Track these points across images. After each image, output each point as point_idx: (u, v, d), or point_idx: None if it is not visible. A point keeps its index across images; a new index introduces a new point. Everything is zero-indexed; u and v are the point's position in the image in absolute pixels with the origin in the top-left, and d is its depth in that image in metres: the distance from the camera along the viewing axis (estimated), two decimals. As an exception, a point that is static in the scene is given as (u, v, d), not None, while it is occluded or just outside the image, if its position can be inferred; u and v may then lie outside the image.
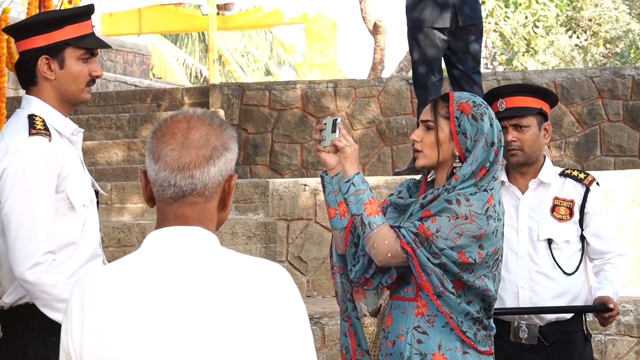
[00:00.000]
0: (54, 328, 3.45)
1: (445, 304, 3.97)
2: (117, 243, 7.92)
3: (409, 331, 4.06)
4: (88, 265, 4.35)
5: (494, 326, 4.16)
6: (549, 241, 4.89)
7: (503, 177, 4.94)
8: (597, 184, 5.03)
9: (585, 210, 4.91)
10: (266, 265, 2.68)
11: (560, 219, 4.91)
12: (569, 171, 5.04)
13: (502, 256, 4.12)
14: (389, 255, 3.97)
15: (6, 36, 8.07)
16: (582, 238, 4.94)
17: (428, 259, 3.93)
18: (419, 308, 4.04)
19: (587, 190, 4.92)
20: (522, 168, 4.98)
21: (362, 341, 4.34)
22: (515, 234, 4.91)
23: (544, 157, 5.05)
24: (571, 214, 4.92)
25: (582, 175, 5.01)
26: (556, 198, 4.93)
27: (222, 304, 2.62)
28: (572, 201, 4.93)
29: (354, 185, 4.03)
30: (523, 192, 5.00)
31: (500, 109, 4.90)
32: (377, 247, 3.98)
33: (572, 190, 4.96)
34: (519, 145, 4.91)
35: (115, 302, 2.67)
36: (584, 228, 4.92)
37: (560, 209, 4.94)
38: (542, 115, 4.99)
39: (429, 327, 4.03)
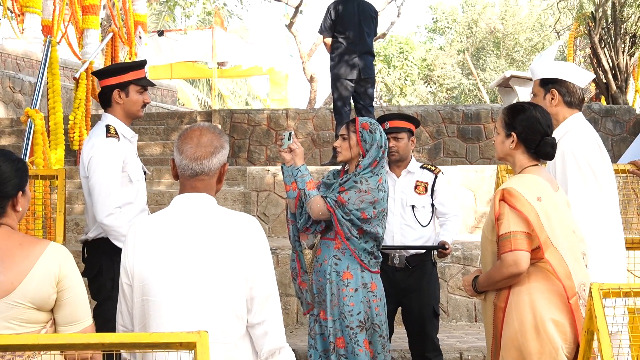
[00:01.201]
0: (118, 252, 3.70)
1: (352, 243, 5.33)
2: (155, 203, 9.52)
3: (330, 258, 5.38)
4: (139, 215, 5.45)
5: (381, 256, 5.54)
6: (413, 207, 6.30)
7: (387, 167, 6.24)
8: (442, 173, 6.46)
9: (435, 188, 6.34)
10: (245, 217, 3.46)
11: (420, 194, 6.32)
12: (425, 165, 6.48)
13: (387, 214, 5.48)
14: (320, 213, 5.33)
15: (92, 77, 10.05)
16: (433, 205, 6.37)
17: (342, 216, 5.31)
18: (336, 244, 5.38)
19: (435, 177, 6.37)
20: (398, 163, 6.38)
21: (303, 264, 5.57)
22: (393, 202, 6.25)
23: (411, 157, 6.45)
24: (426, 191, 6.32)
25: (432, 167, 6.45)
26: (417, 181, 6.35)
27: (218, 239, 3.36)
28: (427, 183, 6.35)
29: (300, 171, 5.35)
30: (398, 177, 6.41)
31: (386, 128, 6.26)
32: (312, 209, 5.32)
33: (427, 177, 6.39)
34: (397, 149, 6.34)
35: (153, 237, 3.40)
36: (433, 199, 6.34)
37: (419, 187, 6.34)
38: (410, 132, 6.41)
39: (342, 255, 5.37)
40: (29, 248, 3.40)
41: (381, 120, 6.37)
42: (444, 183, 6.45)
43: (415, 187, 6.37)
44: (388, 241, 6.26)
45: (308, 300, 5.56)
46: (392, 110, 13.53)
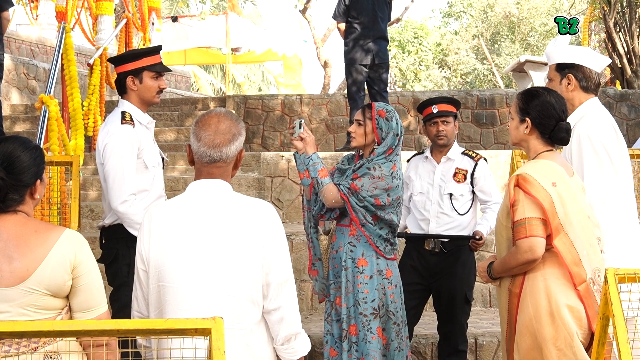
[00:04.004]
0: (134, 239, 3.77)
1: (367, 229, 5.31)
2: (170, 189, 9.47)
3: (345, 244, 5.38)
4: (156, 202, 5.43)
5: (397, 242, 5.48)
6: (450, 195, 6.20)
7: (427, 153, 6.26)
8: (485, 160, 6.30)
9: (474, 176, 6.21)
10: (261, 202, 3.51)
11: (458, 181, 6.21)
12: (467, 151, 6.33)
13: (402, 201, 5.44)
14: (334, 201, 5.32)
15: (106, 63, 10.03)
16: (474, 192, 6.24)
17: (356, 203, 5.28)
18: (352, 231, 5.36)
19: (476, 164, 6.24)
20: (441, 148, 6.27)
21: (317, 251, 5.57)
22: (432, 189, 6.20)
23: (454, 141, 6.34)
24: (465, 178, 6.20)
25: (474, 154, 6.31)
26: (457, 168, 6.24)
27: (234, 225, 3.40)
28: (466, 170, 6.22)
29: (312, 160, 5.35)
30: (438, 163, 6.29)
31: (434, 112, 6.18)
32: (325, 197, 5.32)
33: (467, 163, 6.26)
34: (445, 133, 6.22)
35: (169, 223, 3.44)
36: (473, 186, 6.21)
37: (458, 175, 6.22)
38: (455, 116, 6.32)
39: (357, 242, 5.36)
40: (45, 235, 3.41)
41: (429, 103, 6.31)
42: (485, 170, 6.31)
43: (455, 174, 6.28)
44: (424, 227, 6.25)
45: (316, 290, 5.60)
46: (407, 97, 13.49)
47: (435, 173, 6.32)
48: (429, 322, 7.67)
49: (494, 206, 6.28)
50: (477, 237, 6.18)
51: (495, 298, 8.21)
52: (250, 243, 3.36)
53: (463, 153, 6.35)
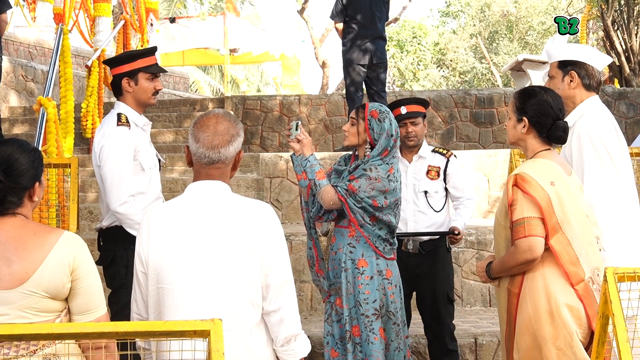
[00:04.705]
0: (133, 240, 3.75)
1: (365, 230, 5.31)
2: (169, 190, 9.56)
3: (345, 245, 5.37)
4: (153, 204, 5.39)
5: (397, 242, 5.51)
6: (425, 192, 6.28)
7: (399, 154, 6.10)
8: (454, 156, 6.41)
9: (447, 172, 6.28)
10: (260, 204, 3.50)
11: (432, 179, 6.27)
12: (437, 149, 6.42)
13: (400, 203, 5.45)
14: (331, 202, 5.32)
15: (104, 65, 10.02)
16: (446, 189, 6.31)
17: (354, 204, 5.29)
18: (351, 232, 5.36)
19: (448, 160, 6.32)
20: (411, 148, 6.32)
21: (320, 251, 5.54)
22: (405, 188, 6.21)
23: (423, 141, 6.39)
24: (438, 175, 6.27)
25: (444, 151, 6.38)
26: (429, 166, 6.30)
27: (234, 227, 3.39)
28: (439, 167, 6.30)
29: (309, 161, 5.34)
30: (409, 162, 6.35)
31: (403, 113, 6.23)
32: (323, 198, 5.32)
33: (438, 161, 6.34)
34: (415, 134, 6.27)
35: (167, 225, 3.43)
36: (446, 183, 6.29)
37: (431, 172, 6.29)
38: (424, 116, 6.37)
39: (356, 243, 5.36)
40: (43, 237, 3.41)
41: (397, 104, 6.34)
42: (456, 166, 6.41)
43: (428, 172, 6.35)
44: (401, 228, 6.22)
45: (325, 288, 5.57)
46: (405, 95, 13.47)
47: (407, 172, 6.36)
48: (413, 324, 7.59)
49: (466, 202, 6.39)
50: (456, 232, 6.24)
51: (495, 298, 8.12)
52: (250, 244, 3.35)
53: (433, 151, 6.42)
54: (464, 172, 6.39)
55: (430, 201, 6.31)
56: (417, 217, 6.28)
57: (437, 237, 6.33)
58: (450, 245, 6.49)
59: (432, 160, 6.39)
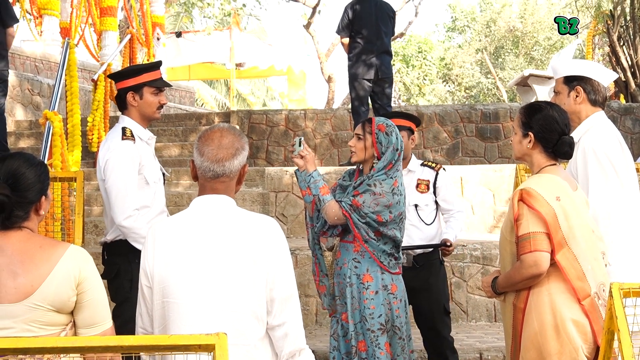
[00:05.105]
0: (137, 254, 3.94)
1: (370, 245, 5.31)
2: (174, 204, 9.54)
3: (350, 260, 5.37)
4: (157, 218, 5.48)
5: (402, 257, 5.50)
6: (416, 206, 6.31)
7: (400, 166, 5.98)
8: (444, 169, 6.44)
9: (436, 185, 6.33)
10: (265, 218, 3.48)
11: (422, 192, 6.32)
12: (426, 162, 6.45)
13: (405, 217, 5.43)
14: (336, 218, 5.32)
15: (110, 79, 10.01)
16: (436, 202, 6.34)
17: (358, 219, 5.29)
18: (355, 247, 5.36)
19: (437, 174, 6.36)
20: None
21: (322, 267, 5.57)
22: None
23: (411, 155, 6.40)
24: (428, 188, 6.32)
25: (433, 164, 6.43)
26: (419, 179, 6.35)
27: (239, 241, 3.37)
28: (428, 180, 6.35)
29: (313, 177, 5.36)
30: None
31: None
32: (328, 214, 5.32)
33: (428, 174, 6.39)
34: None
35: (173, 239, 3.41)
36: (436, 196, 6.33)
37: (421, 185, 6.34)
38: (411, 131, 6.37)
39: (361, 258, 5.35)
40: (49, 250, 3.41)
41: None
42: (445, 179, 6.45)
43: (417, 185, 6.38)
44: None
45: (325, 306, 5.59)
46: (411, 110, 13.51)
47: None
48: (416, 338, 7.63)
49: (456, 214, 6.43)
50: (448, 244, 6.28)
51: (500, 313, 8.13)
52: (254, 259, 3.34)
53: (422, 164, 6.46)
54: (453, 185, 6.33)
55: (421, 214, 6.35)
56: (409, 230, 6.24)
57: (430, 250, 6.36)
58: (443, 258, 6.52)
59: (421, 174, 6.43)
